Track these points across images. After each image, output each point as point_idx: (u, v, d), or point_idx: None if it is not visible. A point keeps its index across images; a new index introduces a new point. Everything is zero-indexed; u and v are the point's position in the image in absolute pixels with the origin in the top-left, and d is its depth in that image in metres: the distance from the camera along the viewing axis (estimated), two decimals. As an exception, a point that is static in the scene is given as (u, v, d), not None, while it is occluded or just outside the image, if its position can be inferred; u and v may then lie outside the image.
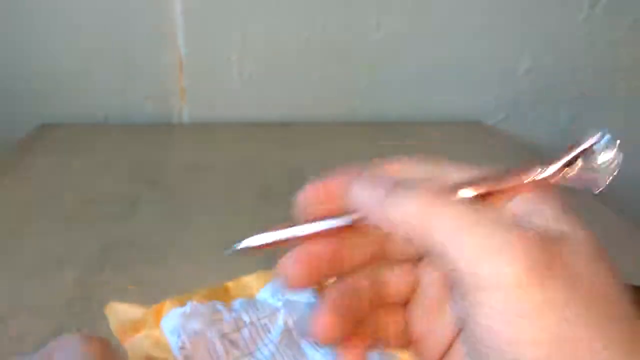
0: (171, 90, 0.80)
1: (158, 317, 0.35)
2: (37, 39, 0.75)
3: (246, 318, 0.35)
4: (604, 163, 0.19)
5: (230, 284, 0.40)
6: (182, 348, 0.32)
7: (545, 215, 0.19)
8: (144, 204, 0.55)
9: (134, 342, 0.34)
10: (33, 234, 0.49)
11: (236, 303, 0.37)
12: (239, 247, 0.20)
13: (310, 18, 0.78)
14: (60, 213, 0.53)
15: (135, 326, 0.35)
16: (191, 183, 0.61)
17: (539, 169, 0.19)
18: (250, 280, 0.41)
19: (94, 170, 0.63)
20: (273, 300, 0.37)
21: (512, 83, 0.85)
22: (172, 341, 0.33)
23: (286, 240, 0.21)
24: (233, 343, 0.33)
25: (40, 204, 0.55)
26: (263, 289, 0.40)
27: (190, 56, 0.78)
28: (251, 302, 0.38)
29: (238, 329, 0.34)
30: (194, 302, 0.35)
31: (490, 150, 0.76)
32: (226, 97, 0.81)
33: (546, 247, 0.17)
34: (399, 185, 0.20)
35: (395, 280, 0.23)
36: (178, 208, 0.55)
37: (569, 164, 0.19)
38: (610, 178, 0.19)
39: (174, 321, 0.34)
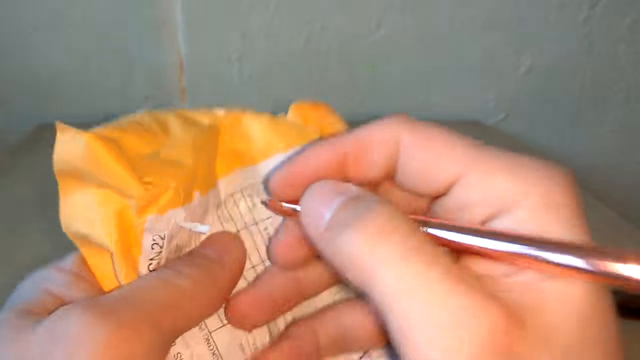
0: (171, 90, 0.80)
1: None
2: (37, 39, 0.75)
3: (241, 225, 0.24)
4: None
5: (224, 123, 0.26)
6: (151, 259, 0.22)
7: (522, 282, 0.15)
8: (144, 204, 0.55)
9: (74, 200, 0.22)
10: (33, 234, 0.49)
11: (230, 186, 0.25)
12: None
13: (310, 18, 0.78)
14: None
15: (87, 177, 0.22)
16: (191, 183, 0.61)
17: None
18: (252, 124, 0.26)
19: (93, 170, 0.63)
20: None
21: (512, 83, 0.85)
22: (147, 240, 0.22)
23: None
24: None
25: (40, 204, 0.55)
26: (269, 160, 0.26)
27: (190, 56, 0.78)
28: (250, 189, 0.25)
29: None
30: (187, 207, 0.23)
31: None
32: (226, 97, 0.81)
33: (509, 330, 0.13)
34: (348, 206, 0.16)
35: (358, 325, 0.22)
36: (178, 208, 0.55)
37: None
38: None
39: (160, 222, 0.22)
